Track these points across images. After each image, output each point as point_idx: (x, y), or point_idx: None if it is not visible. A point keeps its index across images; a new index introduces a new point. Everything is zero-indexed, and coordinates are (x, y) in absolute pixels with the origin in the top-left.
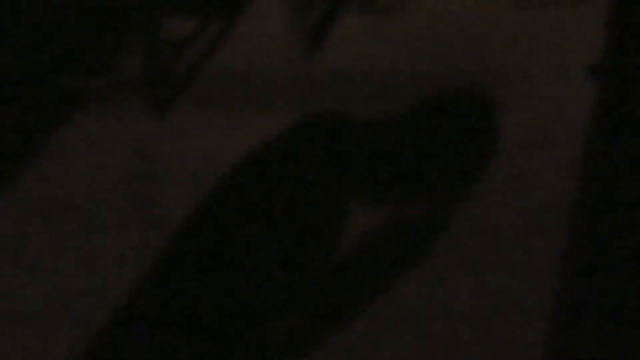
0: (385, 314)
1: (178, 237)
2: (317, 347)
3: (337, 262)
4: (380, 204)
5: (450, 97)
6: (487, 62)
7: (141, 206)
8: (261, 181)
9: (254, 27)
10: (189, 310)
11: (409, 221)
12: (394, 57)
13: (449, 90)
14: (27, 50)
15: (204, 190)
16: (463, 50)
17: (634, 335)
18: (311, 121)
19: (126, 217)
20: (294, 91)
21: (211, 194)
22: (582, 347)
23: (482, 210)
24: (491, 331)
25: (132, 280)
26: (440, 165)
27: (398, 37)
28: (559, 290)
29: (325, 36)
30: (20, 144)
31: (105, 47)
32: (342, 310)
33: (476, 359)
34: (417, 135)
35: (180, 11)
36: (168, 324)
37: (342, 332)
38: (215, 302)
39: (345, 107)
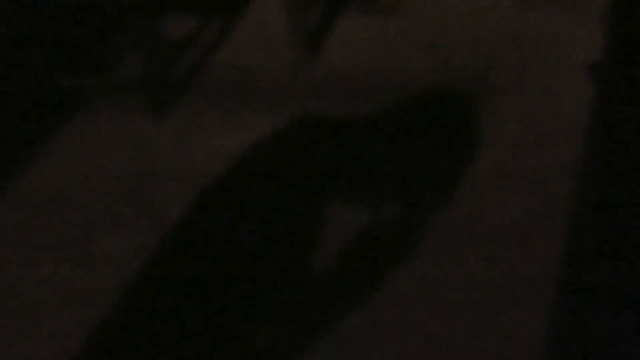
0: (384, 315)
1: (178, 237)
2: (316, 348)
3: (336, 262)
4: (379, 204)
5: (450, 97)
6: (487, 61)
7: (141, 206)
8: (261, 181)
9: (254, 26)
10: (189, 309)
11: (408, 222)
12: (394, 57)
13: (449, 90)
14: (27, 50)
15: (204, 190)
16: (463, 50)
17: (635, 335)
18: (311, 121)
19: (126, 216)
20: (294, 91)
21: (211, 194)
22: (582, 347)
23: (481, 210)
24: (491, 331)
25: (132, 280)
26: (439, 165)
27: (398, 37)
28: (559, 290)
29: (325, 36)
30: (20, 144)
31: (105, 47)
32: (339, 310)
33: (476, 359)
34: (417, 135)
35: (180, 11)
36: (168, 324)
37: (340, 332)
38: (215, 302)
39: (344, 107)
